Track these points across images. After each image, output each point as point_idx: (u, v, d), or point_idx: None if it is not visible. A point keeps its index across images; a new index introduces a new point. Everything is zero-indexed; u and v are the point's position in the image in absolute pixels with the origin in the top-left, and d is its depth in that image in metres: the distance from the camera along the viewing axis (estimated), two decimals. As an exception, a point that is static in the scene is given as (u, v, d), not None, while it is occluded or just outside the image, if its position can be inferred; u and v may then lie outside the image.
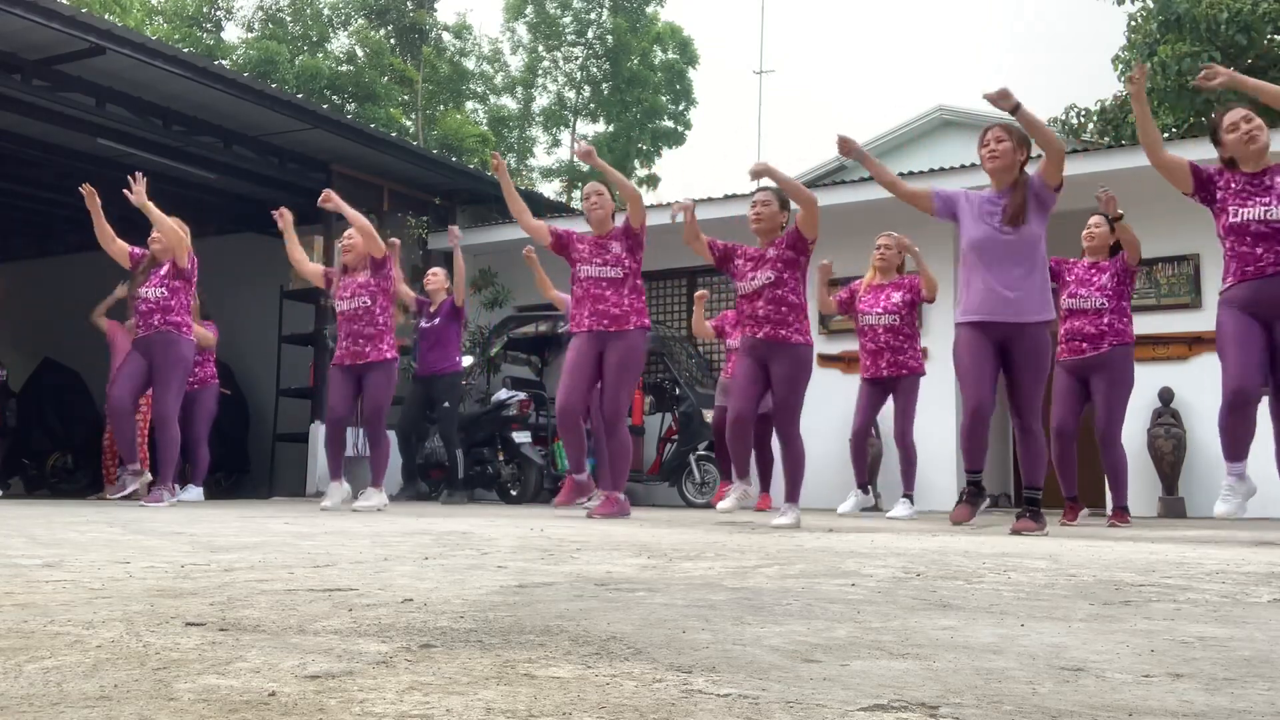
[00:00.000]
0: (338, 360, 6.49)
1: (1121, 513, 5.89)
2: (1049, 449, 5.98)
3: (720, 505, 5.41)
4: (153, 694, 1.11)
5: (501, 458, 9.14)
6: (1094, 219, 6.05)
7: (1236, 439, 4.40)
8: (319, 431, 9.80)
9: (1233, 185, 4.44)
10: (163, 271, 6.65)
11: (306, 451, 10.00)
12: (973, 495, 4.88)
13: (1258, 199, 4.33)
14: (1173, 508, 7.88)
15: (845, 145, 4.88)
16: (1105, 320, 5.80)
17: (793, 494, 5.19)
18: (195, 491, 7.86)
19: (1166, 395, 8.14)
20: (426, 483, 9.25)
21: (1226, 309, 4.43)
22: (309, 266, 6.82)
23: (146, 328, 6.64)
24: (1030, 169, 4.75)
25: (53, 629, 1.51)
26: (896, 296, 6.69)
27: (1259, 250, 4.30)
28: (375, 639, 1.47)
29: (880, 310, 6.68)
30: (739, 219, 10.05)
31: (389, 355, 6.42)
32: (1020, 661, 1.39)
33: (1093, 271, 5.91)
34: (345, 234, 6.66)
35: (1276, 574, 2.66)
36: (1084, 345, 5.82)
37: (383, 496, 6.40)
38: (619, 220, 5.81)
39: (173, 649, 1.37)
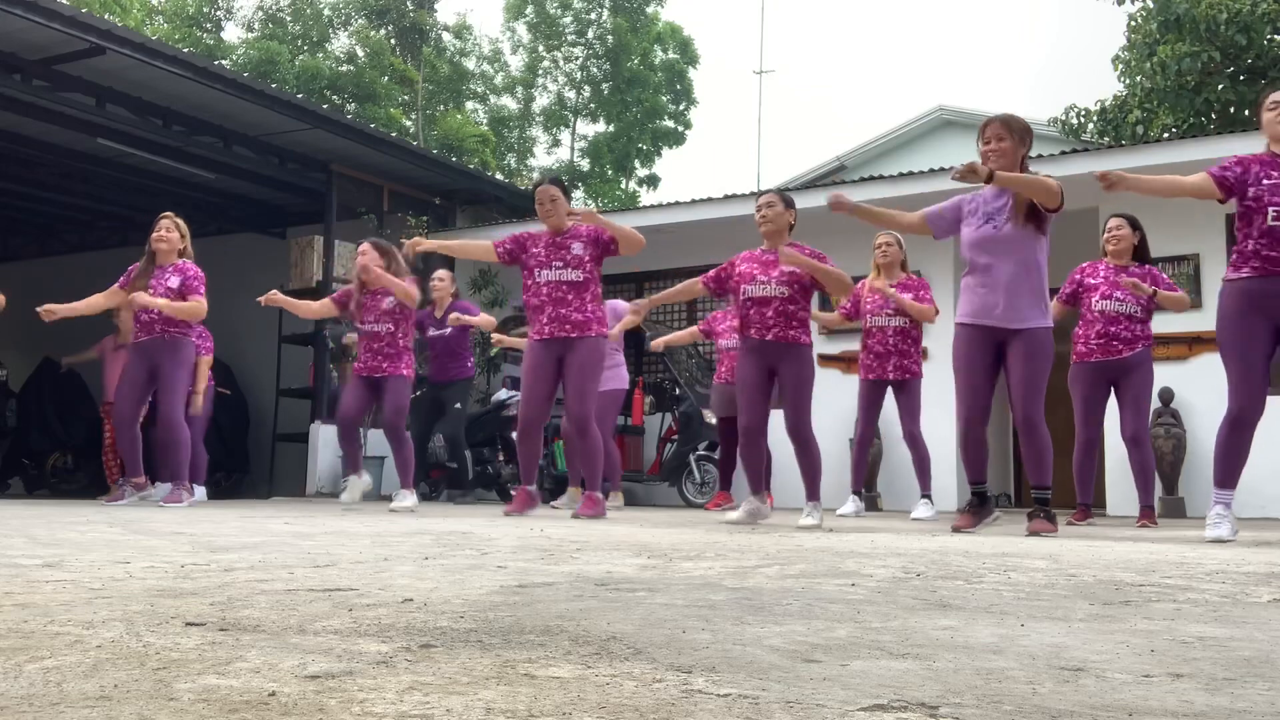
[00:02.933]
0: (357, 371, 6.76)
1: (1149, 511, 5.85)
2: (1075, 456, 5.93)
3: (729, 517, 5.31)
4: (153, 694, 1.11)
5: (501, 458, 9.14)
6: (1113, 221, 5.93)
7: (1232, 461, 4.19)
8: (319, 431, 9.81)
9: (1273, 177, 4.08)
10: (169, 283, 6.61)
11: (306, 451, 10.00)
12: (976, 506, 4.75)
13: None
14: (1173, 508, 7.87)
15: (838, 202, 4.80)
16: (1138, 327, 5.76)
17: (814, 492, 5.24)
18: (199, 491, 7.89)
19: (1166, 395, 8.14)
20: (426, 482, 9.25)
21: (1235, 304, 4.14)
22: (316, 308, 6.98)
23: (148, 333, 6.62)
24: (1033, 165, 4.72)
25: (53, 629, 1.51)
26: (906, 298, 6.63)
27: None
28: (375, 639, 1.47)
29: (890, 311, 6.61)
30: (738, 219, 10.05)
31: (405, 372, 6.69)
32: (1020, 661, 1.39)
33: (1123, 276, 5.77)
34: (359, 249, 6.74)
35: (1276, 574, 2.66)
36: (1120, 347, 5.73)
37: (414, 497, 6.52)
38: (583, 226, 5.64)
39: (173, 649, 1.37)
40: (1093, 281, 5.89)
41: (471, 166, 14.59)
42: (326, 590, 2.02)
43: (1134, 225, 5.88)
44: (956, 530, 4.69)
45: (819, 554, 3.12)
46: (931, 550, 3.35)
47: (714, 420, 8.18)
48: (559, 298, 5.50)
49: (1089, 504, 6.04)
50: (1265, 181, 4.10)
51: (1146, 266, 5.88)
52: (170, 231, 6.74)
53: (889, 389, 6.70)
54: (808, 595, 2.06)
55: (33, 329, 12.04)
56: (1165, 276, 5.95)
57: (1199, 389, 7.84)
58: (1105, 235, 5.95)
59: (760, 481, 5.30)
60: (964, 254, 4.72)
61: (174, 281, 6.61)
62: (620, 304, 7.76)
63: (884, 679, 1.25)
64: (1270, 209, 4.05)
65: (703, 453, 8.88)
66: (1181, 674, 1.32)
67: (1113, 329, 5.75)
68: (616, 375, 7.51)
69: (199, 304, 6.63)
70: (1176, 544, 3.95)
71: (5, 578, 2.14)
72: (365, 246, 6.73)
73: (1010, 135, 4.52)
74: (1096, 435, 5.95)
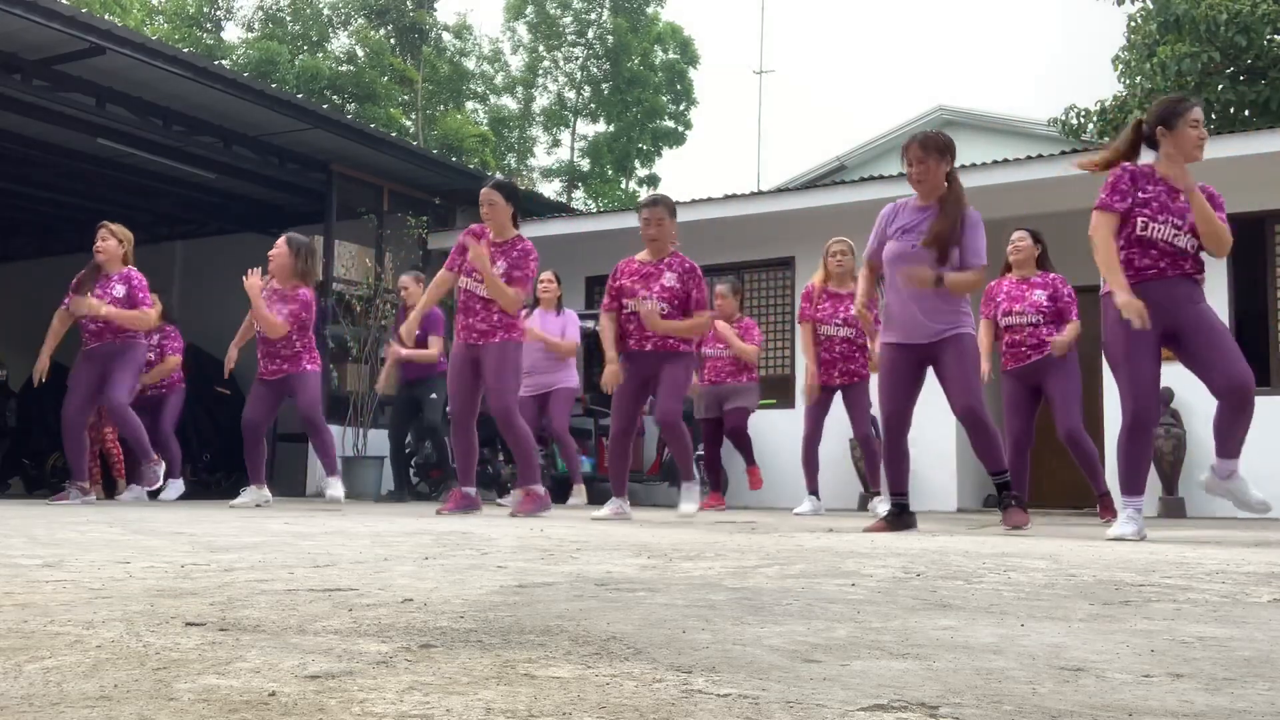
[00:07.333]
0: (259, 375, 6.65)
1: (1106, 499, 5.92)
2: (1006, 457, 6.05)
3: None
4: (153, 694, 1.11)
5: (501, 458, 9.12)
6: (1017, 234, 6.08)
7: (1136, 467, 4.19)
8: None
9: (1148, 190, 4.14)
10: (115, 293, 6.58)
11: (306, 451, 9.99)
12: (896, 517, 4.73)
13: (1170, 218, 4.10)
14: (1173, 508, 7.88)
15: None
16: (1044, 330, 5.84)
17: (688, 473, 5.58)
18: (176, 485, 7.72)
19: (1166, 395, 8.13)
20: (427, 483, 9.25)
21: (1117, 313, 4.14)
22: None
23: (98, 340, 6.62)
24: (963, 177, 4.85)
25: (53, 629, 1.51)
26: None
27: (1162, 264, 4.13)
28: (375, 639, 1.47)
29: (839, 321, 6.78)
30: (738, 219, 10.05)
31: (309, 368, 6.60)
32: (1020, 661, 1.39)
33: (1023, 287, 5.95)
34: (276, 245, 6.70)
35: (1276, 574, 2.66)
36: (1029, 352, 5.87)
37: (341, 487, 6.57)
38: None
39: (173, 649, 1.37)
40: (997, 299, 6.07)
41: (471, 166, 14.58)
42: (326, 590, 2.02)
43: (1035, 238, 6.05)
44: (865, 531, 4.62)
45: (819, 554, 3.12)
46: (931, 550, 3.35)
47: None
48: (468, 307, 5.68)
49: (1025, 505, 6.10)
50: (1141, 194, 4.17)
51: (1050, 276, 5.99)
52: (106, 240, 6.69)
53: (838, 393, 6.90)
54: (808, 595, 2.06)
55: (33, 329, 12.02)
56: (1069, 288, 5.96)
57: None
58: (1009, 248, 6.13)
59: (622, 484, 5.66)
60: (883, 268, 4.82)
61: (119, 290, 6.58)
62: (573, 314, 7.93)
63: (884, 679, 1.25)
64: (1139, 219, 4.14)
65: (702, 453, 8.87)
66: (1181, 674, 1.32)
67: (1017, 337, 5.90)
68: (568, 375, 7.73)
69: (146, 314, 6.64)
70: (1176, 544, 3.95)
71: (5, 578, 2.14)
72: (280, 243, 6.65)
73: (929, 155, 4.66)
74: (1024, 438, 6.04)
